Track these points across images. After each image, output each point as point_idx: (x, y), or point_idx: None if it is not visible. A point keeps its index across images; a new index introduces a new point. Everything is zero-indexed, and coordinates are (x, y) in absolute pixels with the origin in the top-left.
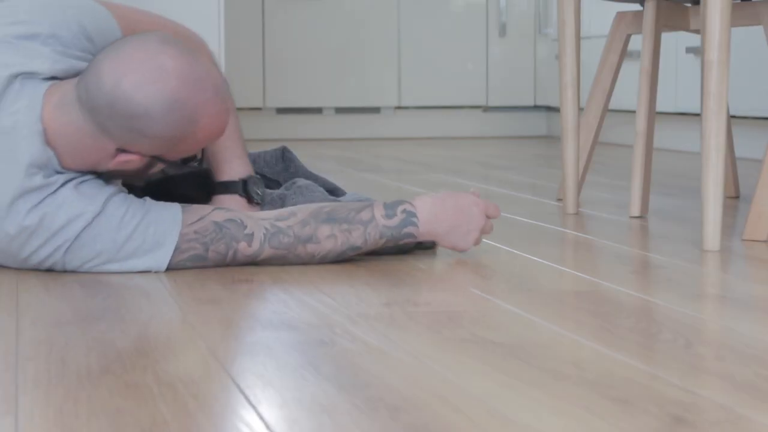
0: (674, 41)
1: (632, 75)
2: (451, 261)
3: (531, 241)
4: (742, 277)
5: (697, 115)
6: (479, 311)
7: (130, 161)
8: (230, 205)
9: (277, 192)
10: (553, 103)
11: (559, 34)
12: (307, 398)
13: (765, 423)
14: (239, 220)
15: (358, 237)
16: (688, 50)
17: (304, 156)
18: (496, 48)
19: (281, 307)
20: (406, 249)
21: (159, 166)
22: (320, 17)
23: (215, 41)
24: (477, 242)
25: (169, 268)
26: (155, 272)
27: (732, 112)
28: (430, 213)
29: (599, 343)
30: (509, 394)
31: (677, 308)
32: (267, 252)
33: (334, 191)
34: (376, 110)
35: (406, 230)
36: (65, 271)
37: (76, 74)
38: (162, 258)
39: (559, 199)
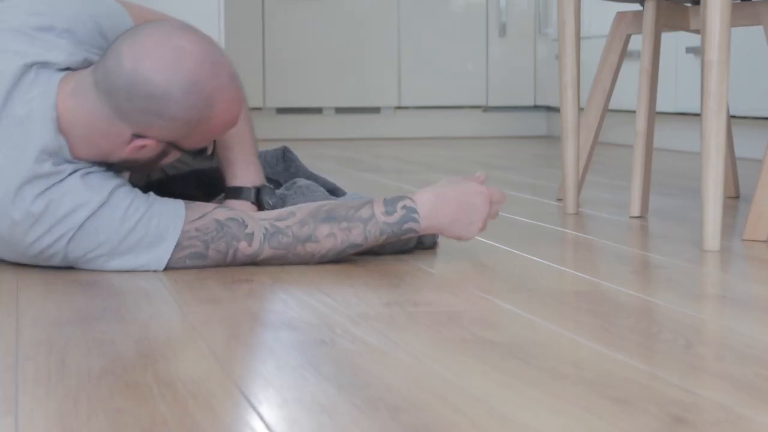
0: (674, 41)
1: (632, 75)
2: (451, 261)
3: (531, 241)
4: (742, 277)
5: (697, 115)
6: (479, 311)
7: (145, 148)
8: None
9: (278, 192)
10: (553, 103)
11: (559, 34)
12: (307, 398)
13: (765, 423)
14: (241, 220)
15: (358, 235)
16: (688, 50)
17: (305, 156)
18: (496, 48)
19: (281, 307)
20: (407, 248)
21: (171, 156)
22: (320, 17)
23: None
24: (482, 229)
25: (169, 267)
26: (155, 271)
27: (732, 112)
28: (432, 207)
29: (599, 342)
30: (509, 394)
31: (677, 308)
32: (267, 252)
33: (334, 191)
34: (376, 110)
35: (406, 226)
36: (65, 269)
37: (90, 66)
38: (163, 252)
39: (559, 199)
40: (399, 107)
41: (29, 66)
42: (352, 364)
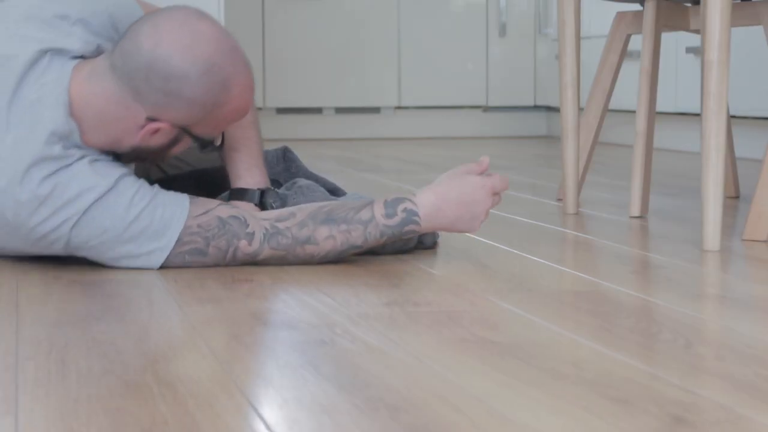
0: (674, 41)
1: (632, 75)
2: (451, 261)
3: (531, 241)
4: (742, 277)
5: (697, 115)
6: (479, 311)
7: (158, 132)
8: None
9: (278, 192)
10: (553, 103)
11: (559, 34)
12: (307, 398)
13: (765, 423)
14: (242, 218)
15: (357, 237)
16: (688, 50)
17: (305, 156)
18: (496, 48)
19: (281, 307)
20: (407, 248)
21: (182, 145)
22: (320, 17)
23: None
24: (485, 219)
25: (168, 266)
26: (155, 269)
27: (732, 112)
28: (433, 209)
29: (599, 342)
30: (508, 394)
31: (677, 308)
32: (266, 252)
33: (334, 191)
34: (376, 110)
35: (407, 228)
36: (65, 269)
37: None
38: (166, 243)
39: (559, 199)
40: (399, 107)
41: (44, 52)
42: (352, 364)
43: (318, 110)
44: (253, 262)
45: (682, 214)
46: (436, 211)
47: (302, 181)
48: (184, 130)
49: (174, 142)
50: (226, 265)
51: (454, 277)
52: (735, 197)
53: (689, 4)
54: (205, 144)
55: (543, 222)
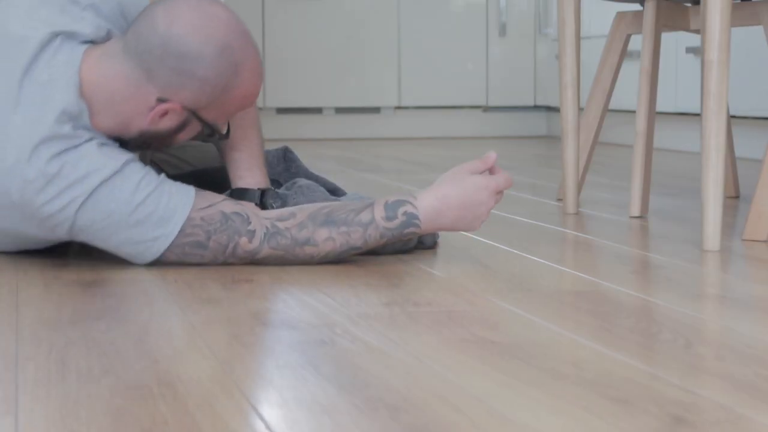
0: (674, 41)
1: (632, 75)
2: (451, 261)
3: (531, 241)
4: (742, 277)
5: (697, 115)
6: (479, 311)
7: (167, 115)
8: None
9: (278, 192)
10: (553, 103)
11: (559, 34)
12: (307, 398)
13: (765, 423)
14: (245, 215)
15: (357, 239)
16: (688, 50)
17: (305, 156)
18: (496, 48)
19: (281, 307)
20: (407, 248)
21: (189, 131)
22: (320, 17)
23: None
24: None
25: (166, 259)
26: (156, 269)
27: (732, 112)
28: (433, 212)
29: (599, 342)
30: (509, 394)
31: (677, 308)
32: (265, 251)
33: (334, 191)
34: (376, 110)
35: (407, 231)
36: (65, 269)
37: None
38: (170, 231)
39: (559, 199)
40: (399, 107)
41: (56, 35)
42: (352, 364)
43: (318, 110)
44: (252, 260)
45: (682, 214)
46: (437, 214)
47: (302, 181)
48: (193, 114)
49: (182, 126)
50: (224, 260)
51: (454, 277)
52: (735, 197)
53: (689, 4)
54: (211, 132)
55: (543, 222)
